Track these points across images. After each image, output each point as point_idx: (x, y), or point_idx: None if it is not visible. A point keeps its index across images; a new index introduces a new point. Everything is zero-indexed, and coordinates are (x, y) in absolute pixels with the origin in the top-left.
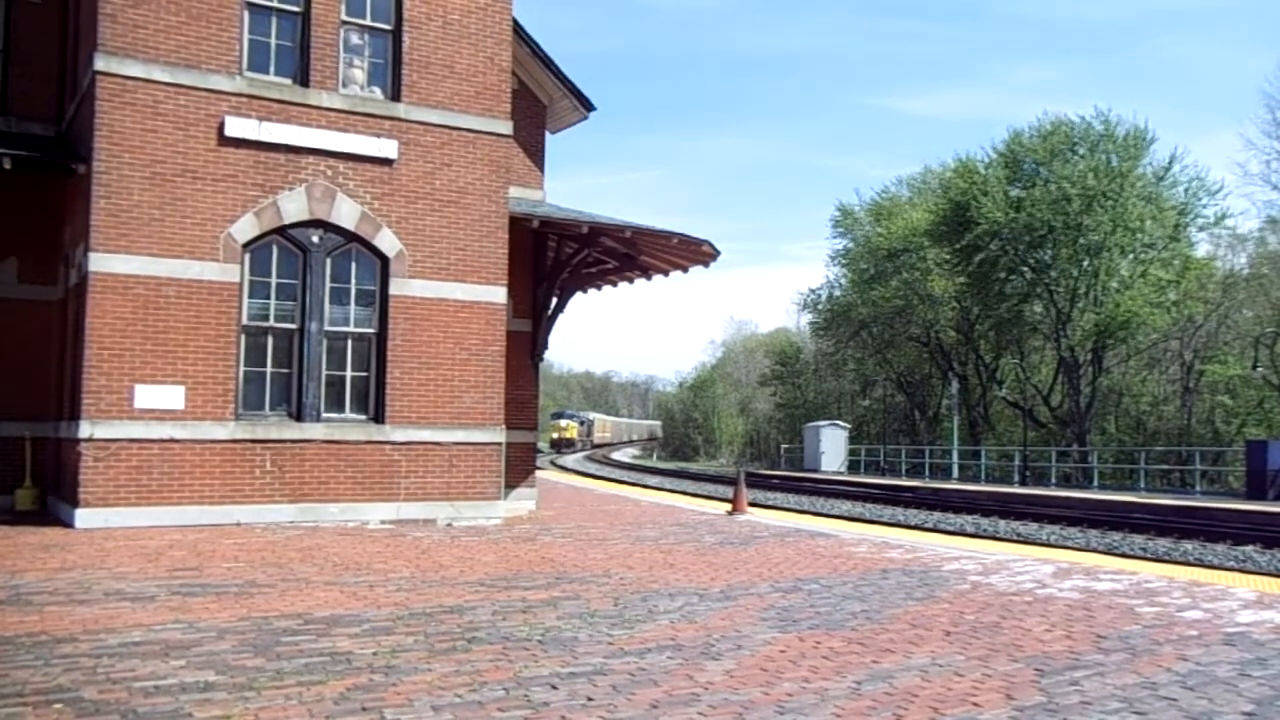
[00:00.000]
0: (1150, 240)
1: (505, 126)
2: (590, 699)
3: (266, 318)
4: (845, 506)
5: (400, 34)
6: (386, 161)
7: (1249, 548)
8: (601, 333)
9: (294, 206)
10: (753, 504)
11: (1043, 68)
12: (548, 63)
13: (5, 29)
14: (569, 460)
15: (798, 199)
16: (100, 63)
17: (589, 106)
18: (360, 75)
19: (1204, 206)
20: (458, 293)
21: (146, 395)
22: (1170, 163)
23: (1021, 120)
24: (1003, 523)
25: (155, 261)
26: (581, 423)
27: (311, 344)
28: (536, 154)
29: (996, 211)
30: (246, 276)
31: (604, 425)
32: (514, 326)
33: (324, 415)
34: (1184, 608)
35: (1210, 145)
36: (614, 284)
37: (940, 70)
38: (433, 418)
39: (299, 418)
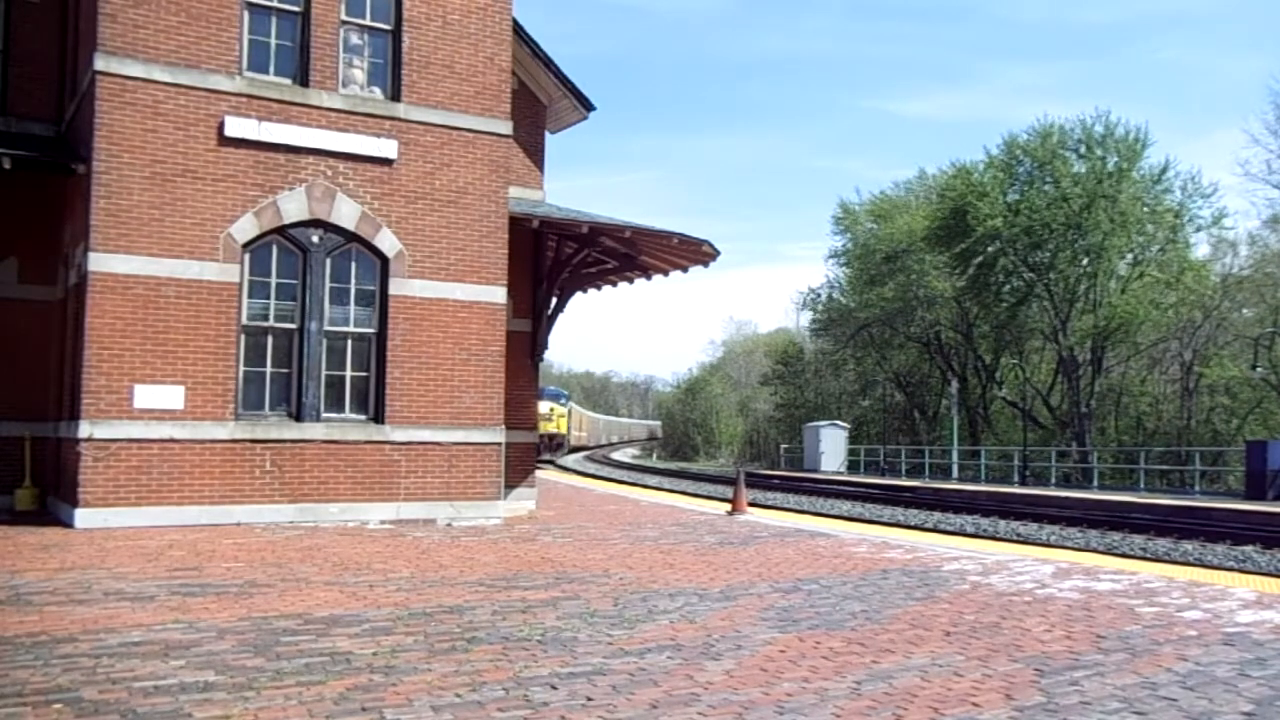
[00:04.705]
0: (1148, 241)
1: (505, 126)
2: (590, 699)
3: (266, 318)
4: (845, 506)
5: (400, 34)
6: (386, 161)
7: (1248, 548)
8: (601, 333)
9: (294, 206)
10: (752, 504)
11: (1038, 70)
12: (547, 63)
13: (5, 29)
14: (568, 460)
15: (796, 200)
16: (100, 63)
17: (589, 106)
18: (360, 75)
19: (1199, 208)
20: (457, 293)
21: (146, 395)
22: (1165, 167)
23: (1017, 122)
24: (1002, 523)
25: (155, 261)
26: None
27: (311, 344)
28: (536, 154)
29: (995, 216)
30: (246, 276)
31: (580, 420)
32: (514, 326)
33: (324, 415)
34: (1184, 608)
35: (1204, 147)
36: (614, 284)
37: (937, 73)
38: (432, 418)
39: (299, 418)
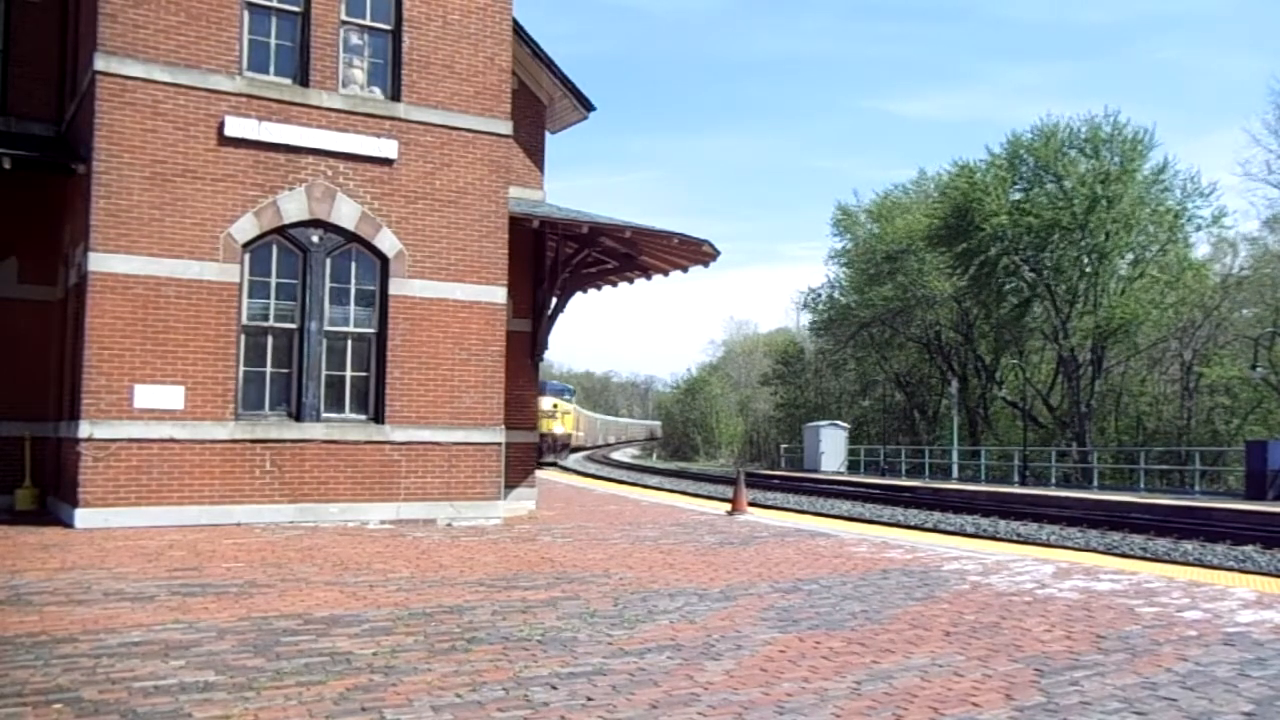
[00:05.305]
0: (1148, 241)
1: (505, 126)
2: (590, 699)
3: (266, 318)
4: (845, 506)
5: (400, 34)
6: (386, 161)
7: (1249, 548)
8: (601, 333)
9: (294, 206)
10: (752, 504)
11: (1038, 70)
12: (548, 63)
13: (5, 29)
14: (568, 460)
15: (796, 200)
16: (100, 63)
17: (589, 106)
18: (360, 75)
19: (1198, 208)
20: (457, 293)
21: (146, 395)
22: (1164, 167)
23: (1017, 122)
24: (1002, 523)
25: (155, 261)
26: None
27: (311, 344)
28: (536, 154)
29: (1000, 214)
30: (246, 276)
31: (577, 420)
32: (514, 326)
33: (324, 415)
34: (1184, 608)
35: (1204, 147)
36: (614, 284)
37: (937, 73)
38: (432, 418)
39: (299, 418)
